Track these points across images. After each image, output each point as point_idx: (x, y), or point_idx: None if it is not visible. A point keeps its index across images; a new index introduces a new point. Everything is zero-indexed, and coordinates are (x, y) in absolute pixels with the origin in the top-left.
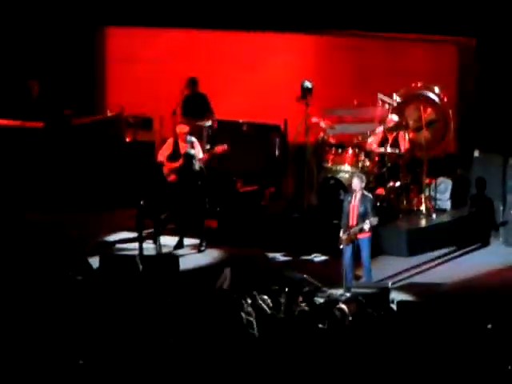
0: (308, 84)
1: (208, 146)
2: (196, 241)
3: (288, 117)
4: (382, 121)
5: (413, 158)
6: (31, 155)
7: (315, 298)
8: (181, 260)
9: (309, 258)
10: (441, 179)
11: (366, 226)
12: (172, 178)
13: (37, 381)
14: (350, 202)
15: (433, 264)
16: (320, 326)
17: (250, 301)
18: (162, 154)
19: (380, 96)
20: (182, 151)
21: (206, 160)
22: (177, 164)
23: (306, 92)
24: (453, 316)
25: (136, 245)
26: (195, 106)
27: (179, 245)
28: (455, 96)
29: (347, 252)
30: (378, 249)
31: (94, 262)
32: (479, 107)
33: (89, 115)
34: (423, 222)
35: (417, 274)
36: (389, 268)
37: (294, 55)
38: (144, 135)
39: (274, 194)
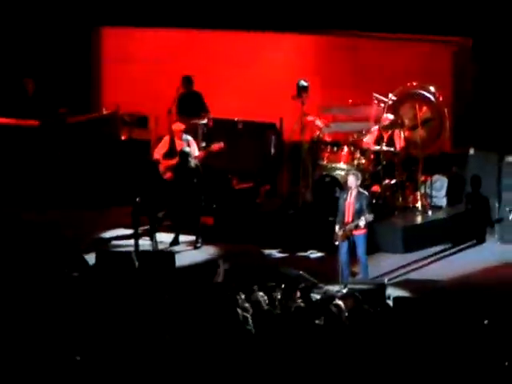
0: (303, 82)
1: (203, 144)
2: (192, 237)
3: (284, 115)
4: (378, 119)
5: (408, 155)
6: (27, 153)
7: (311, 295)
8: (177, 256)
9: (305, 254)
10: (436, 177)
11: (362, 222)
12: (168, 175)
13: (34, 377)
14: (345, 199)
15: (428, 261)
16: (316, 322)
17: (244, 296)
18: (158, 152)
19: (375, 95)
20: (178, 149)
21: (202, 158)
22: (173, 162)
23: (301, 90)
24: (449, 312)
25: (132, 241)
26: (190, 104)
27: (175, 241)
28: (451, 95)
29: (343, 248)
30: (374, 245)
31: (91, 258)
32: (475, 106)
33: (84, 114)
34: (419, 219)
35: (413, 270)
36: (385, 264)
37: (290, 54)
38: (139, 133)
39: (270, 192)
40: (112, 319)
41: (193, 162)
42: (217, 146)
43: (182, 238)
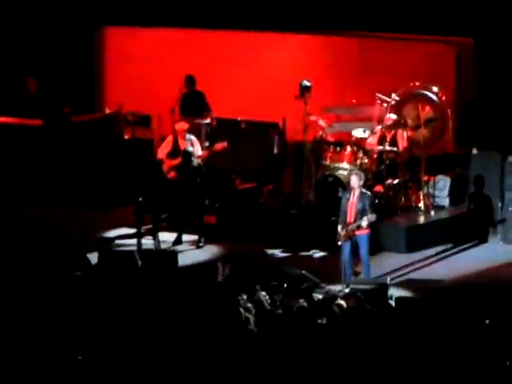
0: (306, 82)
1: (207, 144)
2: (195, 237)
3: (286, 115)
4: (381, 119)
5: (411, 155)
6: (30, 153)
7: (314, 294)
8: (179, 256)
9: (307, 254)
10: (439, 177)
11: (364, 222)
12: (172, 174)
13: (36, 376)
14: (348, 199)
15: (431, 260)
16: (319, 321)
17: (246, 296)
18: (162, 152)
19: (378, 95)
20: (182, 148)
21: (206, 157)
22: (176, 161)
23: (304, 90)
24: (451, 312)
25: (135, 241)
26: (193, 103)
27: (178, 241)
28: (453, 95)
29: (346, 248)
30: (377, 245)
31: (93, 257)
32: (478, 106)
33: (87, 113)
34: (422, 219)
35: (415, 270)
36: (387, 264)
37: (293, 54)
38: (142, 133)
39: (273, 191)
40: (115, 318)
41: (196, 162)
42: (220, 146)
43: (185, 237)
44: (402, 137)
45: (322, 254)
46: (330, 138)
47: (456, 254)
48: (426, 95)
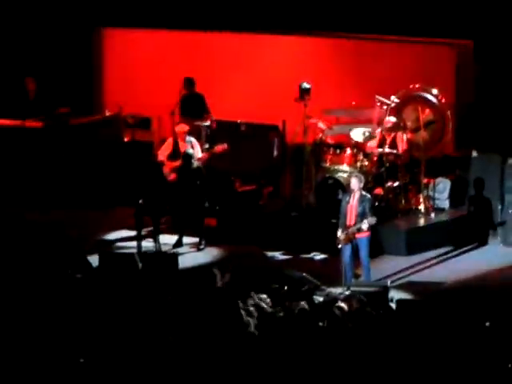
0: (306, 85)
1: (207, 146)
2: (195, 239)
3: (286, 117)
4: (380, 122)
5: (411, 158)
6: (30, 155)
7: (314, 297)
8: (180, 258)
9: (308, 256)
10: (439, 179)
11: (364, 225)
12: (172, 177)
13: (38, 379)
14: (348, 201)
15: (431, 263)
16: (320, 324)
17: (251, 301)
18: (162, 154)
19: (378, 97)
20: (182, 151)
21: (206, 159)
22: (177, 163)
23: (304, 93)
24: (452, 315)
25: (135, 243)
26: (193, 105)
27: (178, 243)
28: (453, 97)
29: (346, 251)
30: (377, 248)
31: (94, 260)
32: (477, 108)
33: (87, 115)
34: (422, 222)
35: (415, 272)
36: (388, 267)
37: (293, 56)
38: (142, 135)
39: (273, 194)
40: (115, 321)
41: (196, 164)
42: (220, 148)
43: (186, 239)
44: (402, 139)
45: (322, 256)
46: (330, 141)
47: (456, 256)
48: (426, 97)
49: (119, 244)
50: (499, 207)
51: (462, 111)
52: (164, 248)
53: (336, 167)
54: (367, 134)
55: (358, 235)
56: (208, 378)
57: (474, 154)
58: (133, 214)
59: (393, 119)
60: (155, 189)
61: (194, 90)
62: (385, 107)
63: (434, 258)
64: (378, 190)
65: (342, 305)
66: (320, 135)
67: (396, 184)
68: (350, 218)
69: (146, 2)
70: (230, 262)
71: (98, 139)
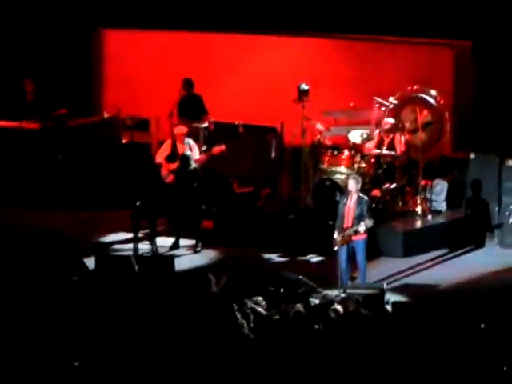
0: (304, 86)
1: (204, 147)
2: (192, 241)
3: (284, 119)
4: (379, 123)
5: (409, 159)
6: (28, 157)
7: (310, 299)
8: (176, 261)
9: (305, 258)
10: (437, 181)
11: (361, 228)
12: (170, 178)
13: (32, 382)
14: (345, 203)
15: (428, 265)
16: (315, 326)
17: (247, 304)
18: (160, 155)
19: (376, 98)
20: (180, 152)
21: (204, 161)
22: (174, 165)
23: (302, 94)
24: (448, 317)
25: (132, 245)
26: (191, 107)
27: (175, 245)
28: (451, 98)
29: (342, 253)
30: (374, 250)
31: (90, 262)
32: (475, 110)
33: (86, 116)
34: (419, 224)
35: (412, 275)
36: (384, 269)
37: (291, 57)
38: (141, 137)
39: (270, 195)
40: (111, 323)
41: (193, 166)
42: (218, 149)
43: (182, 241)
44: (400, 141)
45: (319, 258)
46: (328, 142)
47: (453, 258)
48: (424, 99)
49: (116, 246)
50: (496, 209)
51: (460, 112)
52: (160, 250)
53: (334, 169)
54: (365, 135)
55: (354, 238)
56: (204, 380)
57: (472, 155)
58: (130, 216)
59: (391, 120)
60: (152, 191)
61: (192, 91)
62: (383, 108)
63: (431, 260)
64: (375, 192)
65: (338, 307)
66: (318, 137)
67: (393, 186)
68: (347, 220)
69: (145, 3)
70: (227, 265)
71: (96, 141)
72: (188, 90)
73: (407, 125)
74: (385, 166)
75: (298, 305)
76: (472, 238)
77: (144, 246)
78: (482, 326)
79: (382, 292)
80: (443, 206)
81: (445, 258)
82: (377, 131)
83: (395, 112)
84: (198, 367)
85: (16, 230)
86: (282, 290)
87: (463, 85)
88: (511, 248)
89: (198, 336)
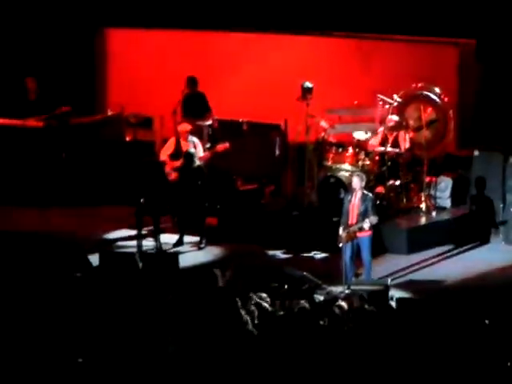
0: (308, 84)
1: (208, 145)
2: (196, 238)
3: (288, 116)
4: (383, 121)
5: (413, 157)
6: (31, 154)
7: (315, 295)
8: (181, 257)
9: (309, 255)
10: (441, 178)
11: (366, 224)
12: (174, 176)
13: (36, 378)
14: (350, 201)
15: (432, 262)
16: (320, 323)
17: (251, 300)
18: (164, 153)
19: (380, 96)
20: (184, 150)
21: (208, 158)
22: (178, 163)
23: (306, 92)
24: (452, 313)
25: (136, 242)
26: (195, 105)
27: (179, 242)
28: (455, 96)
29: (347, 250)
30: (379, 246)
31: (94, 259)
32: (480, 107)
33: (89, 115)
34: (423, 220)
35: (416, 271)
36: (389, 265)
37: (295, 55)
38: (144, 135)
39: (274, 193)
40: (115, 320)
41: (197, 163)
42: (222, 147)
43: (187, 238)
44: (404, 138)
45: (323, 255)
46: (332, 140)
47: (457, 255)
48: (428, 96)
49: (120, 243)
50: (501, 206)
51: (464, 110)
52: (165, 247)
53: (338, 166)
54: (369, 133)
55: (359, 234)
56: (208, 377)
57: (476, 152)
58: (134, 213)
59: (395, 118)
60: (156, 188)
61: (196, 88)
62: (387, 106)
63: (436, 256)
64: (380, 189)
65: (343, 304)
66: (322, 134)
67: (398, 183)
68: (352, 217)
69: (148, 2)
70: (231, 261)
71: (99, 139)
72: (192, 88)
73: (411, 122)
74: (389, 163)
75: (303, 301)
76: (477, 234)
77: (148, 243)
78: (487, 322)
79: (387, 288)
80: (448, 203)
81: (449, 254)
82: (381, 129)
83: (399, 110)
84: (203, 364)
85: (20, 228)
86: (286, 287)
87: (467, 83)
88: None
89: (202, 333)
